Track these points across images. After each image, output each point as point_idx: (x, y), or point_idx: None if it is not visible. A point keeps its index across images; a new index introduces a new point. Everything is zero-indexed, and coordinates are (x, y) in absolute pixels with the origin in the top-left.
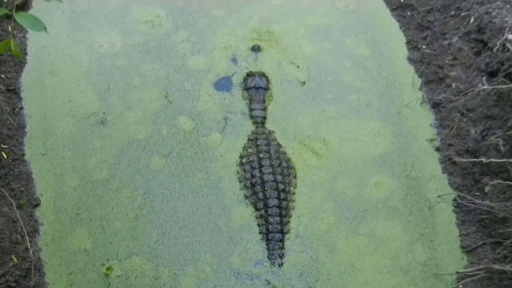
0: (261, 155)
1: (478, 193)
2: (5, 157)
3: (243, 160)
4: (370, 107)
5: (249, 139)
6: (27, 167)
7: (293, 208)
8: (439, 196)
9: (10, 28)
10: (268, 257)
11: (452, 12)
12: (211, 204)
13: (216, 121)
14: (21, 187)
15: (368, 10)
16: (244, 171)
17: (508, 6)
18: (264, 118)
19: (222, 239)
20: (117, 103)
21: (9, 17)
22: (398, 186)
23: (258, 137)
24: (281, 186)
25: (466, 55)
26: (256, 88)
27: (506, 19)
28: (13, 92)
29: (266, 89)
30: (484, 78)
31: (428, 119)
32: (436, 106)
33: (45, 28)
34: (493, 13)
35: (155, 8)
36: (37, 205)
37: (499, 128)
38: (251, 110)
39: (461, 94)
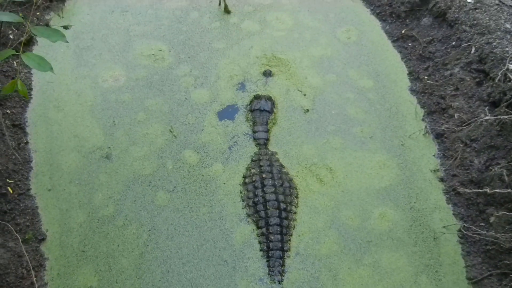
0: (263, 175)
1: (483, 224)
2: (11, 191)
3: (246, 180)
4: (374, 139)
5: (252, 160)
6: (33, 202)
7: (294, 227)
8: (444, 227)
9: (16, 64)
10: (268, 274)
11: (453, 43)
12: (215, 238)
13: (221, 151)
14: (27, 222)
15: (369, 41)
16: (247, 190)
17: (508, 36)
18: (267, 139)
19: (226, 271)
20: (123, 138)
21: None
22: (402, 217)
23: (261, 158)
24: (282, 205)
25: (468, 85)
26: (261, 110)
27: (507, 49)
28: (19, 127)
29: (271, 112)
30: (486, 108)
31: (432, 150)
32: (439, 136)
33: (51, 69)
34: (494, 43)
35: (157, 42)
36: (43, 239)
37: (502, 158)
38: (254, 132)
39: (464, 125)
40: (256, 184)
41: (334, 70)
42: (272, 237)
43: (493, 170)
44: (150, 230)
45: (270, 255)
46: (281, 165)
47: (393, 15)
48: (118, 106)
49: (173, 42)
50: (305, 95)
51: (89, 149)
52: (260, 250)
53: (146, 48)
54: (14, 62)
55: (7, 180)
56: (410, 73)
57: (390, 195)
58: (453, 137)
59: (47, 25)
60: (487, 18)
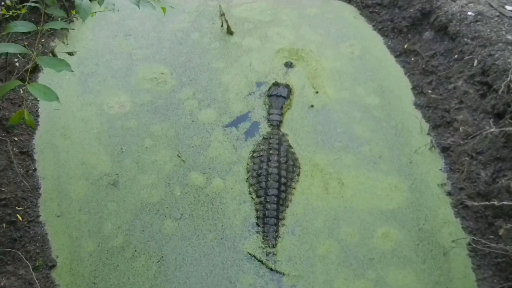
0: (270, 151)
1: (492, 236)
2: (20, 219)
3: (254, 154)
4: (383, 159)
5: (263, 138)
6: (42, 229)
7: (291, 200)
8: (453, 241)
9: (22, 92)
10: (263, 239)
11: (456, 56)
12: (224, 260)
13: (228, 165)
14: (37, 249)
15: (372, 57)
16: (253, 163)
17: (510, 48)
18: (280, 122)
19: None
20: (131, 166)
21: (20, 80)
22: (407, 237)
23: (271, 136)
24: (283, 180)
25: (472, 98)
26: (277, 96)
27: (509, 60)
28: (26, 154)
29: (286, 98)
30: (491, 120)
31: (438, 164)
32: (445, 150)
33: (57, 98)
34: (496, 55)
35: (158, 65)
36: (53, 266)
37: (509, 170)
38: (269, 114)
39: (469, 137)
40: (262, 159)
41: (345, 86)
42: (269, 206)
43: (500, 182)
44: (159, 261)
45: (265, 221)
46: (289, 146)
47: (395, 30)
48: (125, 132)
49: (174, 65)
50: (317, 92)
51: (97, 176)
52: (256, 217)
53: (148, 71)
54: (21, 90)
55: (16, 207)
56: (414, 88)
57: (397, 217)
58: (459, 150)
59: (52, 52)
60: (488, 30)
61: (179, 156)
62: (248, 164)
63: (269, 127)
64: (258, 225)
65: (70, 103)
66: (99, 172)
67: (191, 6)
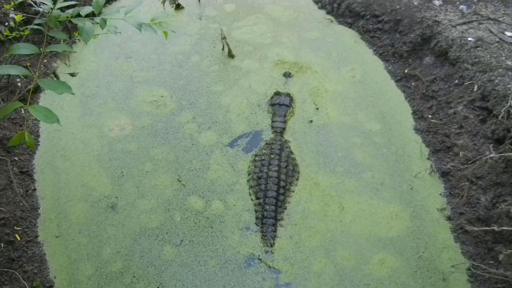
0: (272, 156)
1: (492, 262)
2: (19, 239)
3: (256, 158)
4: (385, 186)
5: (266, 143)
6: (40, 249)
7: (289, 202)
8: (452, 266)
9: (24, 112)
10: (261, 238)
11: (456, 81)
12: (226, 283)
13: (228, 186)
14: (35, 269)
15: (373, 81)
16: (255, 166)
17: (510, 73)
18: (283, 129)
19: None
20: (131, 190)
21: (22, 100)
22: (406, 264)
23: (274, 142)
24: (282, 183)
25: (472, 123)
26: (280, 104)
27: (509, 86)
28: (26, 174)
29: (289, 106)
30: (491, 146)
31: (438, 189)
32: (445, 175)
33: (57, 120)
34: (496, 81)
35: (158, 88)
36: (51, 287)
37: (509, 195)
38: (273, 121)
39: (469, 162)
40: (263, 162)
41: (347, 111)
42: (267, 207)
43: (500, 207)
44: (158, 287)
45: (264, 222)
46: (291, 152)
47: (396, 55)
48: (125, 156)
49: (174, 88)
50: (317, 108)
51: (96, 199)
52: (256, 218)
53: (148, 94)
54: (22, 110)
55: (15, 227)
56: (414, 112)
57: (396, 245)
58: (459, 175)
59: (54, 73)
60: (488, 56)
61: (180, 181)
62: (249, 167)
63: (273, 133)
64: (257, 225)
65: (71, 125)
66: (99, 194)
67: (193, 29)
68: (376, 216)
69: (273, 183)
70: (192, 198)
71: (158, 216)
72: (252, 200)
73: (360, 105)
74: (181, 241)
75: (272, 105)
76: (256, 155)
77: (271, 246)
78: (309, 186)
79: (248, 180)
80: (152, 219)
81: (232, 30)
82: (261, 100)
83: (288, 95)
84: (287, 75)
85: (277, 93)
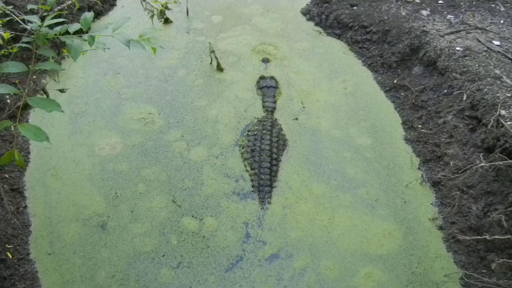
0: (263, 131)
1: (485, 271)
2: (10, 257)
3: (249, 133)
4: (379, 202)
5: (258, 120)
6: (33, 267)
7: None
8: (445, 275)
9: (13, 129)
10: (259, 201)
11: (445, 91)
12: None
13: (219, 203)
14: (27, 287)
15: (364, 93)
16: (248, 140)
17: (498, 82)
18: (274, 108)
19: None
20: (126, 213)
21: (12, 117)
22: (395, 278)
23: (265, 119)
24: (274, 155)
25: (461, 132)
26: (268, 87)
27: (498, 94)
28: (17, 191)
29: (276, 88)
30: (481, 155)
31: (429, 198)
32: (436, 184)
33: (47, 138)
34: (485, 90)
35: (145, 105)
36: None
37: (500, 203)
38: (264, 102)
39: (459, 172)
40: (256, 137)
41: (339, 125)
42: (263, 176)
43: (491, 216)
44: None
45: (260, 189)
46: (281, 128)
47: (385, 66)
48: (117, 176)
49: (160, 104)
50: (304, 107)
51: (88, 217)
52: (252, 186)
53: (136, 111)
54: (12, 127)
55: (6, 245)
56: (404, 123)
57: (386, 262)
58: (450, 184)
59: (43, 89)
60: (477, 65)
61: (175, 201)
62: (242, 141)
63: (264, 112)
64: (253, 192)
65: (61, 143)
66: (91, 213)
67: (180, 43)
68: (367, 232)
69: (266, 155)
70: (186, 219)
71: (153, 239)
72: (247, 171)
73: (352, 119)
74: (179, 263)
75: (261, 88)
76: (249, 131)
77: (269, 204)
78: (299, 182)
79: (242, 153)
80: (146, 242)
81: (218, 42)
82: (248, 107)
83: (272, 77)
84: (266, 60)
85: (262, 77)
